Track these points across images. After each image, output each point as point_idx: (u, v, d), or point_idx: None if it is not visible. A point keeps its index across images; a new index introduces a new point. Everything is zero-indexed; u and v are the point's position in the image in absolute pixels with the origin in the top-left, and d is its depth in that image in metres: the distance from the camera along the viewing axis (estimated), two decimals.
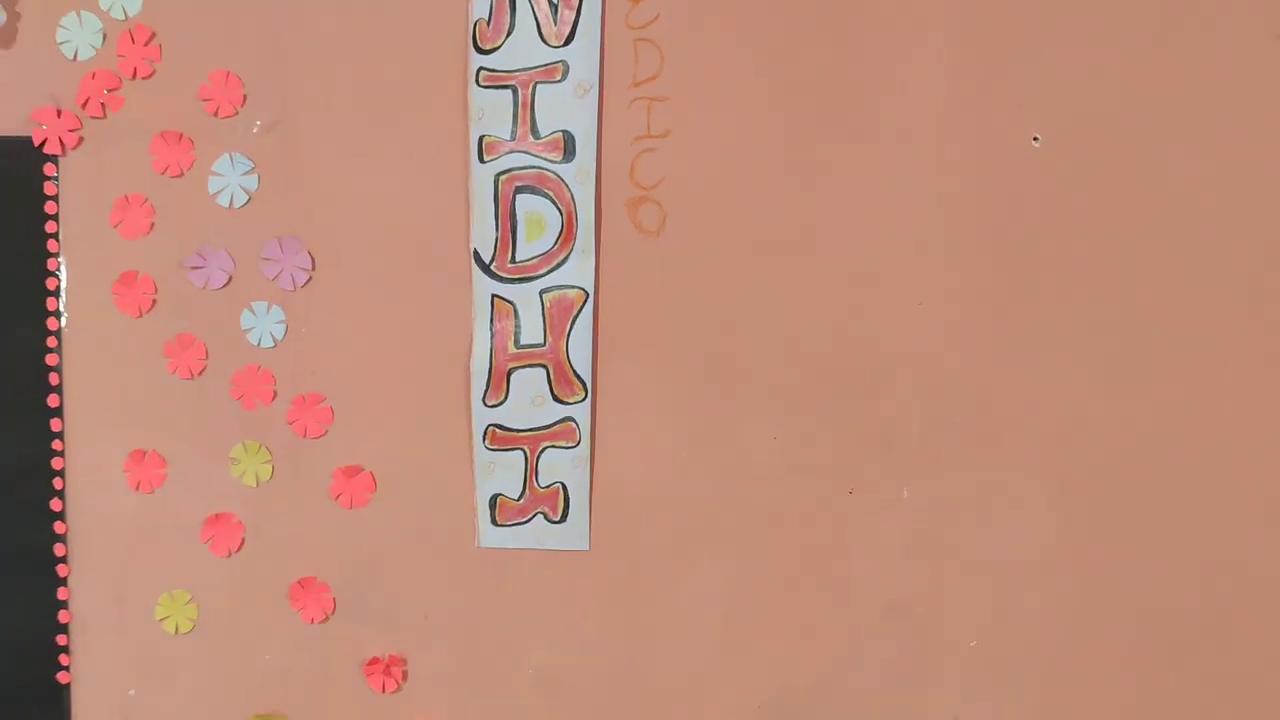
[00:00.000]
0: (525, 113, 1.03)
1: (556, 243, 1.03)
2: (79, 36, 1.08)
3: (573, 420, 1.05)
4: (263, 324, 1.08)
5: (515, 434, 1.06)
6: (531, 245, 1.04)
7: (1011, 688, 1.03)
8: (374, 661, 1.09)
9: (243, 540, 1.10)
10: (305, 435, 1.08)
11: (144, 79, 1.08)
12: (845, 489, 1.03)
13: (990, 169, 1.00)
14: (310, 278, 1.07)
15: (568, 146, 1.02)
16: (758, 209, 1.02)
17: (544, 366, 1.05)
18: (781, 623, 1.05)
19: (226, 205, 1.07)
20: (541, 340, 1.04)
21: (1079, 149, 1.00)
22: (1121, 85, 1.00)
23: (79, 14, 1.07)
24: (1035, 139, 1.00)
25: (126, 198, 1.08)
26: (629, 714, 1.07)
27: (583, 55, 1.02)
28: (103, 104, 1.08)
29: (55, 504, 1.12)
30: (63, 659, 1.13)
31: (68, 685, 1.14)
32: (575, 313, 1.04)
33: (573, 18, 1.01)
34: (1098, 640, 1.04)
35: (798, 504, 1.04)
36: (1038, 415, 1.02)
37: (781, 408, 1.03)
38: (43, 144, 1.09)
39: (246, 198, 1.07)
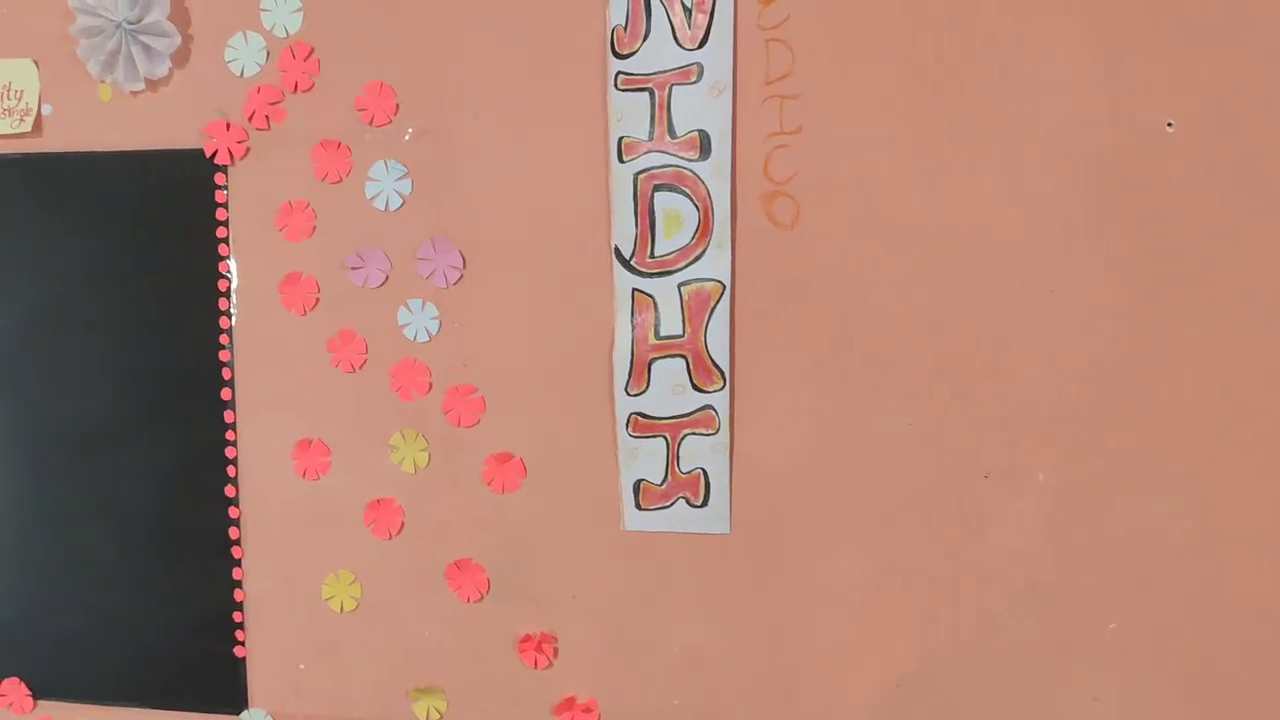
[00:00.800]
0: (662, 114, 1.07)
1: (694, 238, 1.07)
2: (245, 54, 1.15)
3: (712, 408, 1.09)
4: (418, 320, 1.14)
5: (657, 422, 1.10)
6: (670, 241, 1.08)
7: (1150, 671, 1.03)
8: (526, 638, 1.15)
9: (402, 524, 1.16)
10: (459, 424, 1.14)
11: (304, 92, 1.15)
12: (981, 473, 1.05)
13: (1123, 156, 1.00)
14: (461, 275, 1.13)
15: (704, 145, 1.06)
16: (889, 200, 1.04)
17: (683, 356, 1.09)
18: (917, 605, 1.07)
19: (382, 209, 1.14)
20: (681, 331, 1.08)
21: (1213, 134, 0.99)
22: (1257, 68, 0.98)
23: (245, 34, 1.15)
24: (1169, 124, 1.00)
25: (290, 203, 1.16)
26: (769, 690, 1.11)
27: (716, 57, 1.05)
28: (267, 116, 1.15)
29: (229, 490, 1.20)
30: (238, 634, 1.22)
31: (243, 659, 1.22)
32: (713, 304, 1.07)
33: (706, 21, 1.05)
34: (1237, 623, 1.02)
35: (933, 488, 1.06)
36: (1173, 397, 1.01)
37: (915, 394, 1.05)
38: (213, 155, 1.17)
39: (401, 201, 1.13)
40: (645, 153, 1.07)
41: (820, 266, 1.06)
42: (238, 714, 1.23)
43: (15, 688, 1.28)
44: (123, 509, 1.23)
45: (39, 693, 1.28)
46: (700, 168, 1.06)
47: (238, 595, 1.21)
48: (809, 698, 1.10)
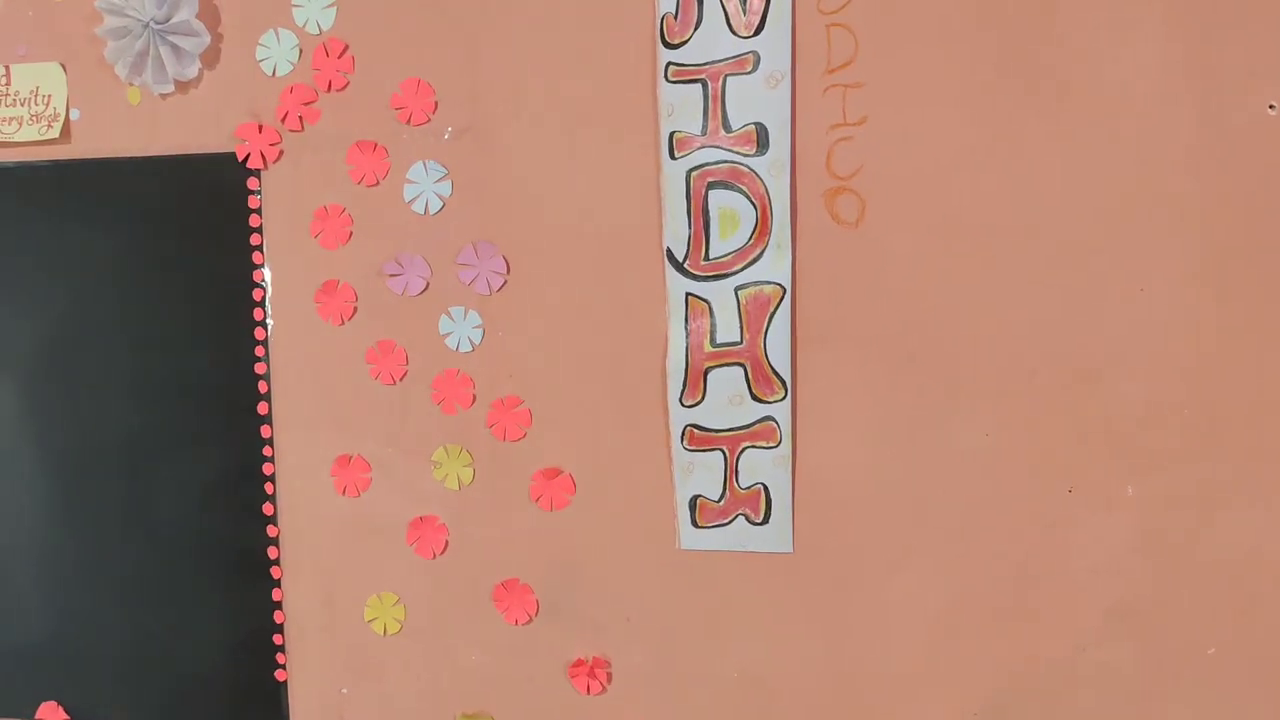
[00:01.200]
0: (716, 106, 1.01)
1: (751, 238, 1.01)
2: (277, 53, 1.10)
3: (773, 419, 1.02)
4: (460, 329, 1.08)
5: (714, 434, 1.04)
6: (725, 242, 1.02)
7: (1252, 699, 0.96)
8: (578, 663, 1.09)
9: (446, 543, 1.11)
10: (505, 438, 1.08)
11: (338, 91, 1.10)
12: (1064, 487, 0.98)
13: (1219, 142, 0.93)
14: (505, 281, 1.07)
15: (761, 139, 1.00)
16: (961, 195, 0.97)
17: (741, 365, 1.02)
18: (996, 628, 1.00)
19: (421, 212, 1.08)
20: (738, 338, 1.02)
21: None
22: None
23: (276, 31, 1.10)
24: (1271, 107, 0.92)
25: (325, 208, 1.11)
26: (835, 718, 1.05)
27: (774, 44, 0.99)
28: (300, 117, 1.11)
29: (267, 508, 1.16)
30: (279, 658, 1.17)
31: (284, 683, 1.18)
32: (772, 309, 1.01)
33: (762, 7, 0.99)
34: None
35: (1012, 503, 0.99)
36: (1274, 402, 0.94)
37: (993, 402, 0.98)
38: (245, 159, 1.12)
39: (441, 204, 1.08)
40: (698, 148, 1.01)
41: (887, 267, 0.99)
42: None
43: (53, 712, 1.25)
44: (159, 527, 1.19)
45: (77, 716, 1.25)
46: (757, 163, 1.00)
47: (278, 617, 1.17)
48: None
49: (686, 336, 1.03)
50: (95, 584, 1.22)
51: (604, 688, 1.09)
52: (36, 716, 1.25)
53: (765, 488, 1.03)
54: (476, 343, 1.08)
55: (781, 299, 1.01)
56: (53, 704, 1.25)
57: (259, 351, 1.14)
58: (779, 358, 1.01)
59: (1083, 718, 0.99)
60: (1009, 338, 0.97)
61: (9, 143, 1.18)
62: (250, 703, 1.19)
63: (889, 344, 1.00)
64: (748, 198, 1.01)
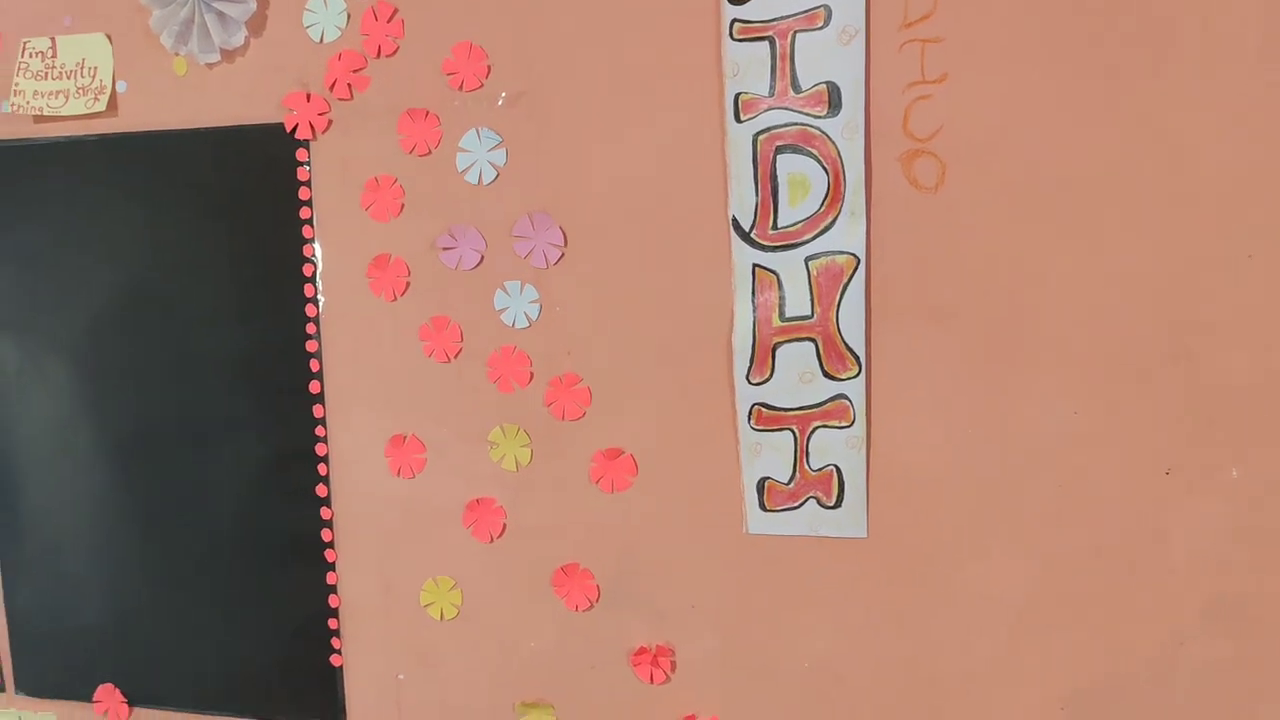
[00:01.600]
0: (784, 65, 0.95)
1: (823, 205, 0.95)
2: (325, 18, 1.06)
3: (845, 397, 0.97)
4: (516, 304, 1.04)
5: (783, 413, 0.98)
6: (795, 209, 0.96)
7: None
8: (641, 651, 1.05)
9: (504, 526, 1.08)
10: (563, 418, 1.04)
11: (388, 57, 1.05)
12: (1161, 469, 0.91)
13: None
14: (563, 254, 1.03)
15: (833, 99, 0.94)
16: (1049, 157, 0.91)
17: (812, 340, 0.97)
18: (1085, 618, 0.94)
19: (475, 182, 1.04)
20: (809, 312, 0.97)
21: None
22: None
23: None
24: None
25: (376, 179, 1.07)
26: (911, 712, 1.00)
27: None
28: (349, 85, 1.07)
29: (320, 490, 1.13)
30: (335, 642, 1.15)
31: (340, 668, 1.15)
32: (845, 281, 0.95)
33: None
34: None
35: (1103, 486, 0.92)
36: None
37: (1082, 378, 0.92)
38: (294, 129, 1.08)
39: (495, 173, 1.03)
40: (766, 110, 0.95)
41: (969, 234, 0.93)
42: None
43: (110, 694, 1.24)
44: (212, 510, 1.16)
45: (134, 699, 1.23)
46: (829, 125, 0.94)
47: (333, 601, 1.14)
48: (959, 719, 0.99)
49: (753, 310, 0.98)
50: (151, 568, 1.20)
51: (667, 677, 1.05)
52: (94, 698, 1.24)
53: (838, 469, 0.98)
54: (533, 318, 1.04)
55: (855, 270, 0.95)
56: (110, 686, 1.24)
57: (310, 329, 1.11)
58: (852, 332, 0.96)
59: (1178, 714, 0.93)
60: (1100, 309, 0.91)
61: (56, 116, 1.15)
62: (306, 687, 1.16)
63: (970, 317, 0.94)
64: (819, 162, 0.95)
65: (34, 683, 1.28)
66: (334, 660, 1.15)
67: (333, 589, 1.14)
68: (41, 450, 1.22)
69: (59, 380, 1.19)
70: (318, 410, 1.12)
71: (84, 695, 1.25)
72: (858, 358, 0.96)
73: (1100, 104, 0.89)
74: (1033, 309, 0.92)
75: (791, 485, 0.99)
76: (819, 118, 0.94)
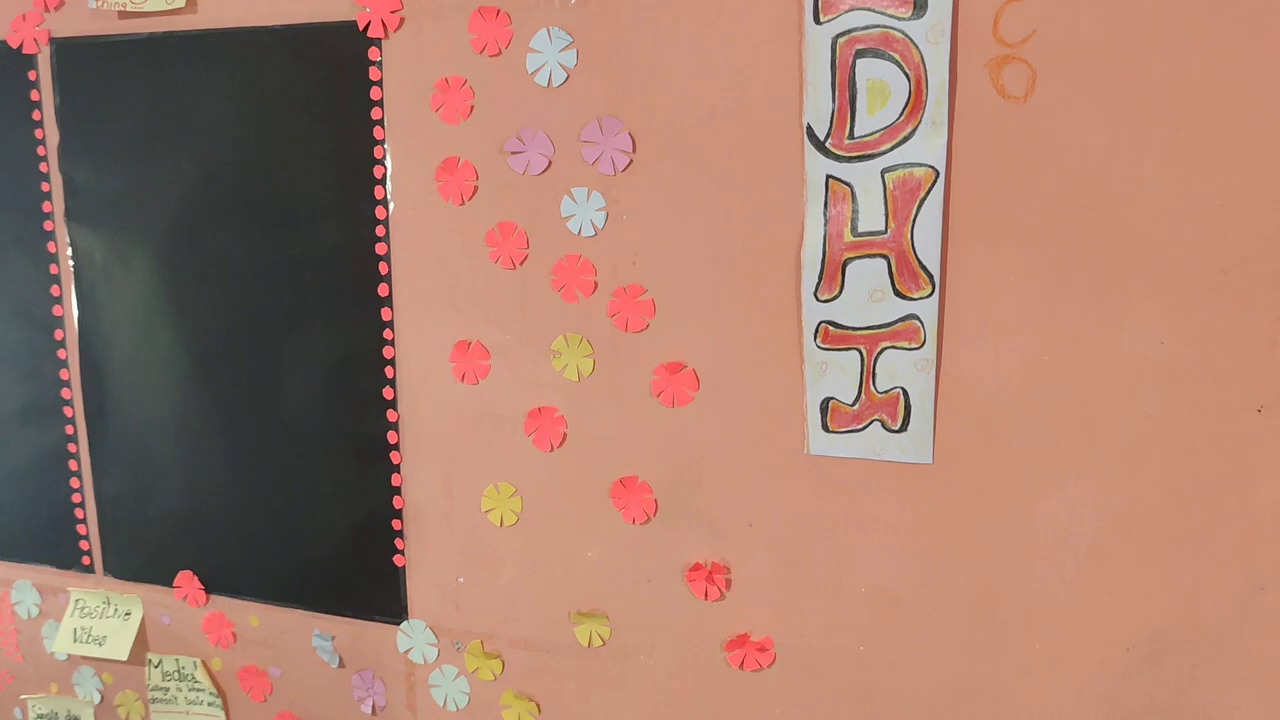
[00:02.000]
0: None
1: (902, 114, 0.90)
2: None
3: (916, 318, 0.93)
4: (583, 211, 1.02)
5: (850, 332, 0.95)
6: (873, 118, 0.91)
7: None
8: (696, 567, 1.04)
9: (565, 435, 1.07)
10: (626, 329, 1.02)
11: None
12: (1252, 405, 0.85)
13: None
14: (631, 161, 1.00)
15: None
16: (1150, 66, 0.84)
17: (885, 257, 0.93)
18: (1158, 559, 0.90)
19: (545, 84, 1.01)
20: (883, 227, 0.92)
21: None
22: None
23: None
24: None
25: (447, 80, 1.05)
26: (972, 643, 0.97)
27: None
28: None
29: (387, 392, 1.13)
30: (398, 543, 1.16)
31: (403, 569, 1.17)
32: (923, 195, 0.91)
33: None
34: None
35: (1188, 421, 0.87)
36: None
37: (1171, 306, 0.86)
38: (367, 27, 1.07)
39: (565, 75, 1.00)
40: (846, 10, 0.90)
41: (1058, 148, 0.87)
42: (398, 624, 1.18)
43: (189, 581, 1.28)
44: (285, 407, 1.18)
45: (210, 587, 1.27)
46: (913, 28, 0.88)
47: (397, 502, 1.15)
48: (1020, 655, 0.95)
49: (825, 224, 0.94)
50: (227, 460, 1.22)
51: (722, 594, 1.04)
52: (174, 584, 1.29)
53: (905, 392, 0.94)
54: (599, 226, 1.02)
55: (934, 184, 0.90)
56: (189, 573, 1.28)
57: (380, 232, 1.10)
58: (927, 250, 0.91)
59: (1256, 661, 0.89)
60: (1196, 232, 0.84)
61: (139, 12, 1.16)
62: (370, 585, 1.18)
63: (1055, 237, 0.88)
64: (900, 67, 0.89)
65: (120, 566, 1.33)
66: (397, 560, 1.17)
67: (397, 490, 1.15)
68: (126, 344, 1.25)
69: (142, 274, 1.22)
70: (386, 313, 1.12)
71: (165, 580, 1.30)
72: (931, 277, 0.92)
73: (1205, 9, 0.82)
74: (1123, 231, 0.86)
75: (856, 407, 0.96)
76: (903, 20, 0.89)
